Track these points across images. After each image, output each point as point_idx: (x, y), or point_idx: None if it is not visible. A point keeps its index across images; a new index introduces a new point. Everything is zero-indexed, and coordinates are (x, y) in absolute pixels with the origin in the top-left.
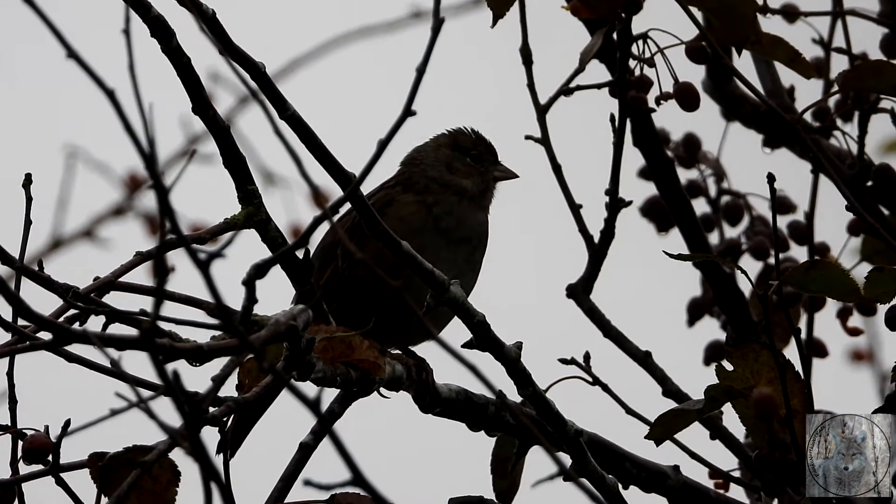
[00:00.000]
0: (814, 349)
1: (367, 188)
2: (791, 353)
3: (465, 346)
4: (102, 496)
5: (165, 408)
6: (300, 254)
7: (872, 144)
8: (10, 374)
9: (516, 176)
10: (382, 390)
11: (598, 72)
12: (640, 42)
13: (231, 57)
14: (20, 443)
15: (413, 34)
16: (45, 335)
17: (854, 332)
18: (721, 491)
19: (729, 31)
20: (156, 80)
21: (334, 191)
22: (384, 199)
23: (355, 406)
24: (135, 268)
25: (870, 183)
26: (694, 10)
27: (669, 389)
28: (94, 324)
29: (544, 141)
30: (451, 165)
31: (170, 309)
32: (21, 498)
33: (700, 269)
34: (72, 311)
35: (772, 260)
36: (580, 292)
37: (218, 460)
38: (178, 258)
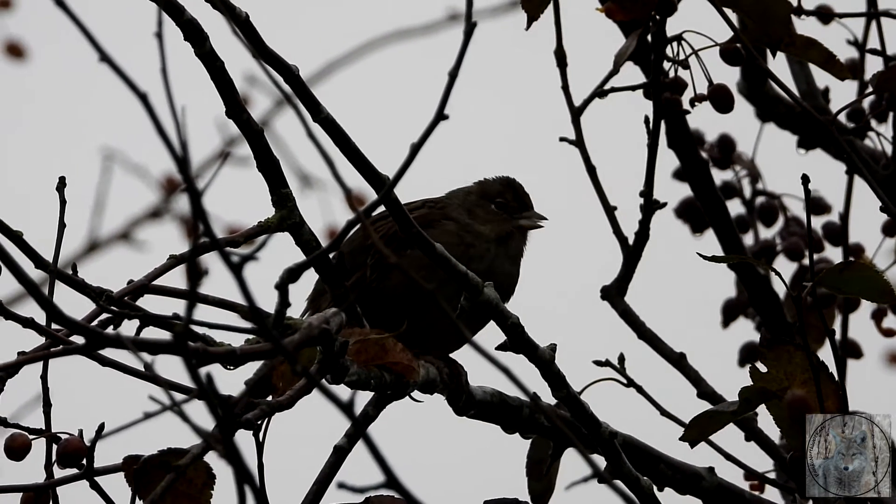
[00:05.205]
0: (848, 350)
1: (401, 192)
2: (825, 354)
3: (499, 348)
4: (137, 499)
5: (199, 411)
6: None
7: None
8: (43, 378)
9: (542, 222)
10: (415, 394)
11: (632, 74)
12: (675, 44)
13: (265, 60)
14: (54, 447)
15: (449, 36)
16: (79, 339)
17: (889, 333)
18: (756, 492)
19: (763, 32)
20: (190, 83)
21: (368, 194)
22: (428, 217)
23: (389, 409)
24: (168, 271)
25: None
26: (728, 11)
27: (704, 391)
28: (128, 327)
29: (579, 143)
30: (471, 211)
31: (203, 312)
32: (56, 501)
33: (734, 270)
34: (105, 315)
35: (806, 261)
36: (614, 294)
37: (252, 463)
38: (211, 261)
